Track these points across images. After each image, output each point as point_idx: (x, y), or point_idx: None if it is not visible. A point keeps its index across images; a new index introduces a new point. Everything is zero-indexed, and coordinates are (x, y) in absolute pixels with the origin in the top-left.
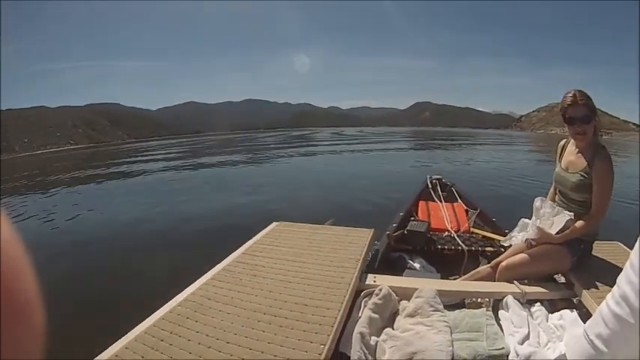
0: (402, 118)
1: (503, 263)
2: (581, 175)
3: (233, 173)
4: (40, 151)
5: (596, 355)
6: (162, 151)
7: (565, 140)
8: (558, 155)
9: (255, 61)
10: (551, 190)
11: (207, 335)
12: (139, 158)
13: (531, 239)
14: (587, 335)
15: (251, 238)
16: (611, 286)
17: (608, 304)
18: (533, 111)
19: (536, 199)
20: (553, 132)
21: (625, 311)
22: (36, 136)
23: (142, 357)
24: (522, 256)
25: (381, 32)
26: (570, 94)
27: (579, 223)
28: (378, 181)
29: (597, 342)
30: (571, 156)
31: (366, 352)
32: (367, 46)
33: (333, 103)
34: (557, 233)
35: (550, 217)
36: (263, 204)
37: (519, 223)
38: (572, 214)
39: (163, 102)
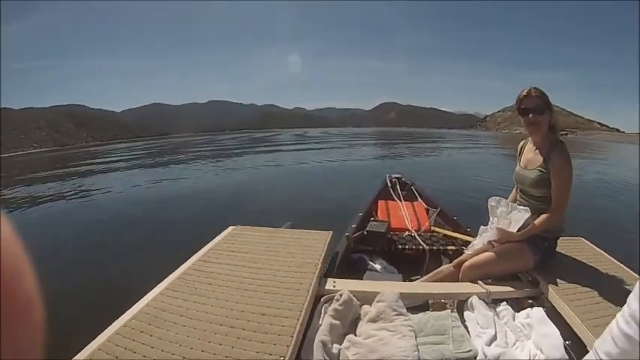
0: (368, 118)
1: (467, 263)
2: (539, 171)
3: (190, 176)
4: (8, 154)
5: None
6: (124, 155)
7: (524, 141)
8: (518, 155)
9: (220, 62)
10: (513, 192)
11: (162, 350)
12: (98, 162)
13: (492, 240)
14: (597, 353)
15: (207, 243)
16: (576, 282)
17: (617, 323)
18: (499, 111)
19: (490, 199)
20: (517, 131)
21: (634, 330)
22: (4, 140)
23: None
24: (485, 255)
25: (348, 34)
26: (526, 89)
27: (540, 219)
28: (337, 182)
29: None
30: (529, 154)
31: None
32: (333, 47)
33: (298, 104)
34: (519, 230)
35: (507, 216)
36: (220, 207)
37: (479, 231)
38: (527, 208)
39: (128, 103)
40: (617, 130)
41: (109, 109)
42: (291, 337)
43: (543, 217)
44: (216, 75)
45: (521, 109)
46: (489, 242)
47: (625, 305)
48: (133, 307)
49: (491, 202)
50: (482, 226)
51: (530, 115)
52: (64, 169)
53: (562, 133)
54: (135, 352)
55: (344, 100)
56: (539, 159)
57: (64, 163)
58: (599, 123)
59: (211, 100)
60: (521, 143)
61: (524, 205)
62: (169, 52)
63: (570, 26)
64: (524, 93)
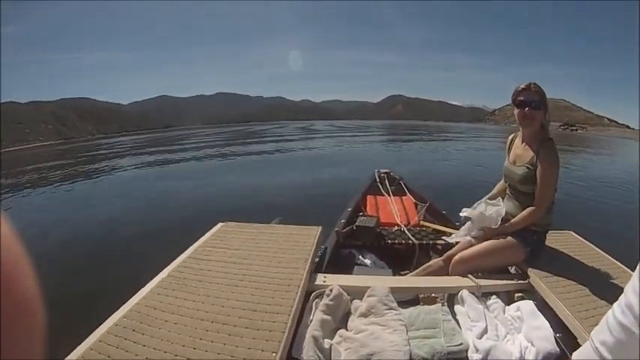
0: (375, 111)
1: (457, 257)
2: (527, 168)
3: (181, 171)
4: (9, 149)
5: None
6: (123, 148)
7: (513, 135)
8: (507, 149)
9: (228, 54)
10: (500, 183)
11: (154, 349)
12: (97, 157)
13: (475, 237)
14: (593, 342)
15: (197, 239)
16: (566, 275)
17: (614, 312)
18: (507, 105)
19: (461, 211)
20: None
21: (630, 320)
22: (4, 133)
23: None
24: (475, 248)
25: (356, 27)
26: (526, 82)
27: (523, 214)
28: (332, 176)
29: (602, 349)
30: (518, 149)
31: (320, 355)
32: (341, 39)
33: (305, 96)
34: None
35: (485, 215)
36: (209, 203)
37: (463, 225)
38: (499, 201)
39: (135, 96)
40: (627, 126)
41: (116, 102)
42: (283, 332)
43: (525, 212)
44: (224, 67)
45: (518, 100)
46: (474, 238)
47: (622, 295)
48: (124, 305)
49: (464, 212)
50: (466, 221)
51: (527, 109)
52: (60, 164)
53: (572, 128)
54: (127, 351)
55: (351, 93)
56: (528, 156)
57: (64, 157)
58: (609, 119)
59: (218, 92)
60: (510, 137)
61: (513, 199)
62: (177, 44)
63: (581, 21)
64: (523, 86)
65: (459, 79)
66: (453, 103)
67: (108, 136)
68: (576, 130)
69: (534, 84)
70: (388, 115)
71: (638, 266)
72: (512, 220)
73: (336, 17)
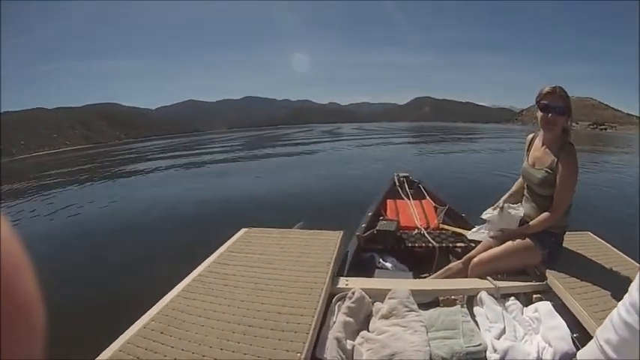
0: (402, 113)
1: (475, 259)
2: (546, 172)
3: (205, 176)
4: (36, 153)
5: None
6: (150, 153)
7: (533, 135)
8: (526, 149)
9: (254, 59)
10: (519, 181)
11: (182, 350)
12: (124, 161)
13: (494, 237)
14: (598, 340)
15: (221, 245)
16: (584, 276)
17: (618, 311)
18: (534, 105)
19: (483, 215)
20: None
21: (634, 319)
22: (33, 139)
23: None
24: (493, 251)
25: (382, 29)
26: (551, 85)
27: (540, 217)
28: (354, 180)
29: (606, 347)
30: (537, 152)
31: (343, 356)
32: (367, 42)
33: (332, 99)
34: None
35: (504, 218)
36: (232, 209)
37: (482, 225)
38: (519, 207)
39: (163, 101)
40: None
41: (144, 107)
42: (307, 334)
43: (543, 216)
44: (251, 71)
45: (542, 104)
46: (492, 238)
47: (626, 294)
48: (152, 309)
49: (485, 215)
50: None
51: (550, 115)
52: (87, 168)
53: (601, 127)
54: (155, 352)
55: (378, 95)
56: (548, 160)
57: (91, 162)
58: (638, 117)
59: (246, 96)
60: (530, 136)
61: (530, 202)
62: (204, 49)
63: (609, 19)
64: (547, 89)
65: (486, 80)
66: (480, 103)
67: (136, 140)
68: (605, 129)
69: (560, 88)
70: (415, 116)
71: None
72: (530, 223)
73: (362, 19)
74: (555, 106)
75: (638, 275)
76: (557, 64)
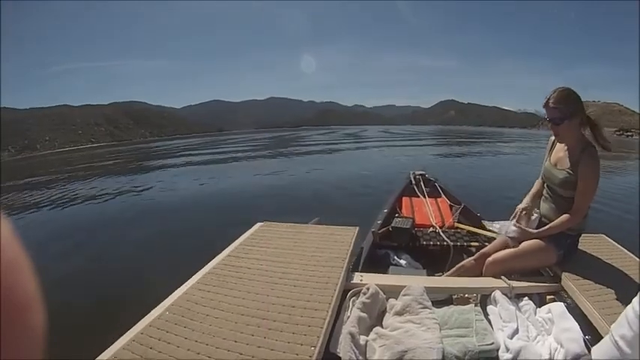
0: (427, 116)
1: (490, 258)
2: (568, 173)
3: (225, 172)
4: (61, 149)
5: (620, 356)
6: (177, 150)
7: None
8: (548, 150)
9: (280, 60)
10: (537, 183)
11: (196, 341)
12: (147, 157)
13: (512, 238)
14: (612, 336)
15: (236, 238)
16: (597, 278)
17: (633, 307)
18: None
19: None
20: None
21: None
22: (58, 135)
23: None
24: (509, 251)
25: (407, 32)
26: (548, 94)
27: (561, 219)
28: (374, 180)
29: (622, 343)
30: (560, 152)
31: (356, 351)
32: (392, 45)
33: (357, 102)
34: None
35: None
36: (249, 204)
37: (499, 229)
38: (538, 213)
39: (189, 100)
40: None
41: (169, 106)
42: (321, 328)
43: (563, 218)
44: (277, 73)
45: (545, 116)
46: (510, 239)
47: None
48: (166, 300)
49: (494, 227)
50: (501, 223)
51: (551, 125)
52: (112, 163)
53: (628, 134)
54: (169, 343)
55: (404, 98)
56: (570, 160)
57: (115, 158)
58: None
59: (271, 97)
60: (552, 137)
61: (550, 202)
62: (230, 50)
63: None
64: (545, 100)
65: (510, 84)
66: (506, 108)
67: (162, 138)
68: (632, 135)
69: (554, 96)
70: (441, 120)
71: None
72: (549, 225)
73: (388, 21)
74: (552, 118)
75: None
76: (582, 67)
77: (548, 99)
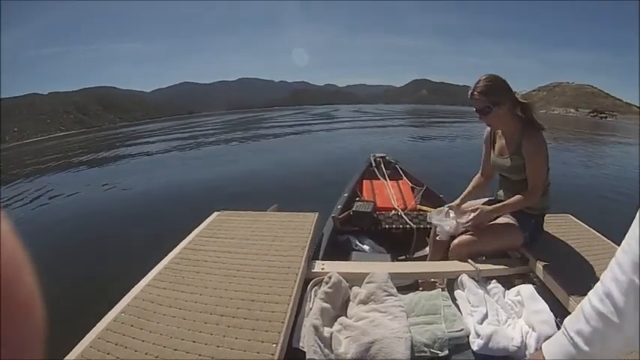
0: (400, 95)
1: (455, 241)
2: (512, 158)
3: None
4: (29, 140)
5: (575, 354)
6: (141, 136)
7: None
8: (490, 141)
9: (250, 40)
10: (476, 177)
11: (154, 344)
12: (104, 148)
13: (445, 232)
14: (567, 332)
15: (192, 230)
16: (565, 258)
17: (590, 301)
18: (533, 90)
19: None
20: (555, 112)
21: (609, 309)
22: (26, 125)
23: None
24: (475, 233)
25: (380, 10)
26: (472, 86)
27: (513, 199)
28: (331, 162)
29: (577, 339)
30: (502, 140)
31: (321, 345)
32: (365, 24)
33: (329, 81)
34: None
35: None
36: (204, 193)
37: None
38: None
39: (159, 83)
40: None
41: (139, 90)
42: (282, 322)
43: (516, 197)
44: (247, 53)
45: None
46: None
47: (598, 282)
48: (121, 300)
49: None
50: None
51: (480, 116)
52: (64, 156)
53: (602, 116)
54: (126, 348)
55: (376, 77)
56: (512, 146)
57: (77, 148)
58: (638, 107)
59: (242, 78)
60: (488, 127)
61: (506, 189)
62: (197, 31)
63: (609, 5)
64: (470, 91)
65: (484, 65)
66: None
67: (132, 123)
68: (606, 117)
69: (478, 87)
70: (413, 99)
71: (614, 256)
72: (502, 203)
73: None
74: (478, 109)
75: (611, 263)
76: (557, 51)
77: (473, 90)
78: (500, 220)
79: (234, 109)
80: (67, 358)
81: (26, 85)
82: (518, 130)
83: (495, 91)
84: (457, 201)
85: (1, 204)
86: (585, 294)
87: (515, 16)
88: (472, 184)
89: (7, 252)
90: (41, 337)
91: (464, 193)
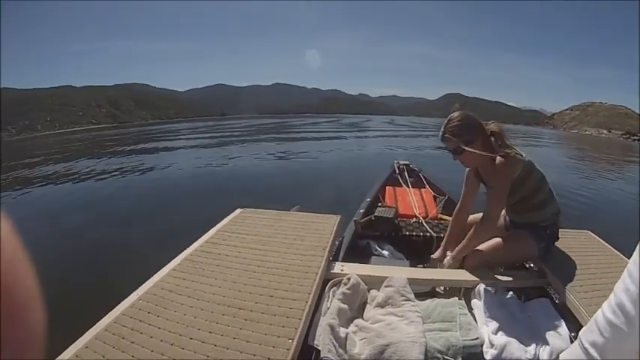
0: (432, 108)
1: (471, 252)
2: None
3: (208, 158)
4: (61, 130)
5: None
6: (174, 133)
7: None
8: (478, 176)
9: (286, 47)
10: (456, 212)
11: (169, 331)
12: (138, 141)
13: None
14: (582, 343)
15: (215, 225)
16: (583, 274)
17: (603, 312)
18: (567, 109)
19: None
20: (587, 132)
21: (621, 320)
22: (58, 116)
23: (103, 356)
24: (489, 243)
25: (414, 23)
26: (442, 126)
27: (474, 231)
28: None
29: (591, 350)
30: (485, 174)
31: (335, 344)
32: (399, 35)
33: (362, 90)
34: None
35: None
36: (229, 190)
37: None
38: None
39: (194, 84)
40: None
41: (173, 89)
42: (300, 319)
43: (476, 228)
44: (283, 59)
45: None
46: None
47: (611, 294)
48: (140, 288)
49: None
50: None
51: (454, 157)
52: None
53: (634, 138)
54: (141, 333)
55: (408, 89)
56: (489, 176)
57: (108, 141)
58: None
59: (275, 83)
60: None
61: (510, 211)
62: (235, 35)
63: None
64: (440, 132)
65: (517, 81)
66: (510, 104)
67: (163, 121)
68: (638, 139)
69: (448, 127)
70: (445, 113)
71: (627, 266)
72: (466, 238)
73: (397, 11)
74: (450, 150)
75: (623, 274)
76: (592, 68)
77: (444, 132)
78: (516, 232)
79: (266, 113)
80: (81, 339)
81: (62, 77)
82: (491, 160)
83: (466, 130)
84: (439, 252)
85: (0, 204)
86: None
87: (552, 33)
88: (452, 229)
89: (8, 253)
90: (41, 338)
91: (444, 240)
